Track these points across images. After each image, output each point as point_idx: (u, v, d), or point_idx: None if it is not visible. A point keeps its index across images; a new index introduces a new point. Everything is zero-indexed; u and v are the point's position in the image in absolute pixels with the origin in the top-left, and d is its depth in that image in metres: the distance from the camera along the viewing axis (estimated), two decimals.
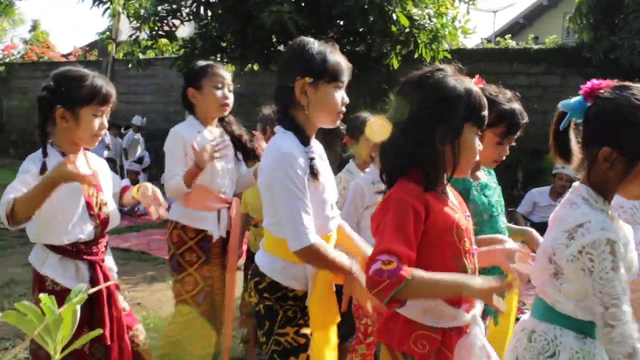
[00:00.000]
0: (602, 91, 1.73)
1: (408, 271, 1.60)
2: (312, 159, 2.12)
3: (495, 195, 2.59)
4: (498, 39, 11.97)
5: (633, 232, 1.84)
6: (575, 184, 1.81)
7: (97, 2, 8.13)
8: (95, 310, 2.44)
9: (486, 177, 2.63)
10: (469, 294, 1.68)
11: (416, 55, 7.92)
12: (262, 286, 2.20)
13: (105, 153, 11.57)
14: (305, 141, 2.16)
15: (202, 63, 3.20)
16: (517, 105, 2.47)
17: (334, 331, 2.24)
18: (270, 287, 2.18)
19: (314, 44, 2.18)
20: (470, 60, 9.80)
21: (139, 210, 8.91)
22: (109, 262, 2.60)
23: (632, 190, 1.72)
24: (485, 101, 1.85)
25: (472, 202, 2.45)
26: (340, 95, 2.20)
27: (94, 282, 2.45)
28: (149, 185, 2.66)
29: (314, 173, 2.10)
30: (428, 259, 1.73)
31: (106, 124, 2.51)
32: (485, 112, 1.84)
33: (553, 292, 1.75)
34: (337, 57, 2.18)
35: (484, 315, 2.52)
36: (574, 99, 1.77)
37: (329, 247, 2.12)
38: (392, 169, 1.86)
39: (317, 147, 2.28)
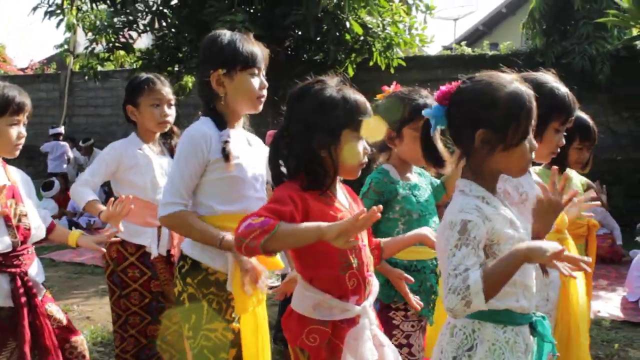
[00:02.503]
0: (452, 91, 1.78)
1: (276, 222, 1.71)
2: (225, 142, 2.18)
3: (425, 195, 2.62)
4: (455, 45, 12.16)
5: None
6: (457, 180, 1.84)
7: (48, 15, 8.03)
8: (14, 324, 2.38)
9: (417, 178, 2.67)
10: (330, 235, 1.70)
11: (371, 63, 8.00)
12: (185, 269, 2.22)
13: (65, 166, 11.45)
14: (221, 126, 2.23)
15: (141, 78, 3.08)
16: (430, 100, 2.52)
17: (263, 310, 2.28)
18: (192, 269, 2.20)
19: (225, 36, 2.25)
20: (427, 67, 9.95)
21: (95, 223, 8.82)
22: (34, 274, 2.52)
23: (515, 165, 1.76)
24: (365, 108, 1.94)
25: (399, 202, 2.49)
26: (258, 81, 2.26)
27: (14, 295, 2.38)
28: (90, 238, 2.77)
29: (225, 155, 2.17)
30: (312, 255, 1.85)
31: (24, 133, 2.48)
32: (364, 117, 1.93)
33: None
34: (248, 45, 2.24)
35: (420, 317, 2.55)
36: (432, 108, 1.81)
37: (195, 219, 2.17)
38: (278, 174, 1.96)
39: (241, 133, 2.35)
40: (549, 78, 2.36)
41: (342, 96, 1.91)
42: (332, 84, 1.95)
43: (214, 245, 2.13)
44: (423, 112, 1.83)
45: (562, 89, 2.33)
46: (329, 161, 1.90)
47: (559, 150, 2.39)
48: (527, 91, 1.75)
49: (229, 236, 2.09)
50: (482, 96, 1.73)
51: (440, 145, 1.87)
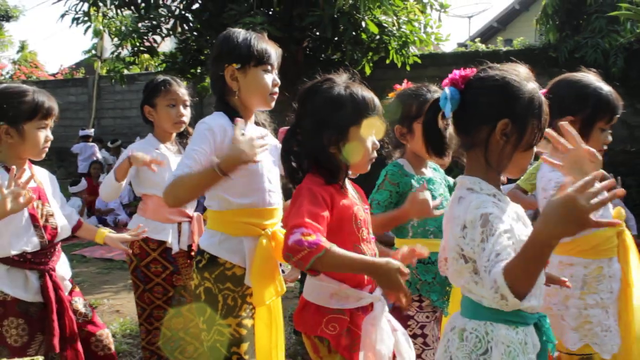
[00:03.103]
0: (472, 76, 1.70)
1: (327, 243, 1.70)
2: (241, 134, 2.14)
3: (440, 189, 2.62)
4: (469, 42, 12.08)
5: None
6: (459, 177, 1.76)
7: (75, 21, 8.10)
8: (44, 317, 2.41)
9: (432, 173, 2.68)
10: (374, 278, 1.77)
11: (388, 61, 7.97)
12: (203, 264, 2.22)
13: None
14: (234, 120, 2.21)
15: (158, 79, 3.13)
16: (437, 94, 2.50)
17: (278, 305, 2.28)
18: (209, 264, 2.20)
19: (240, 33, 2.25)
20: (443, 64, 9.87)
21: (119, 221, 8.94)
22: (62, 271, 2.56)
23: (520, 163, 1.70)
24: (373, 104, 1.95)
25: None
26: (271, 78, 2.26)
27: (43, 291, 2.42)
28: (116, 237, 2.83)
29: None
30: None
31: (51, 137, 2.51)
32: (372, 114, 1.94)
33: (476, 288, 1.66)
34: (262, 43, 2.24)
35: (435, 308, 2.54)
36: (446, 91, 1.69)
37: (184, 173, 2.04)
38: (291, 170, 1.98)
39: (254, 128, 2.34)
40: (592, 78, 2.34)
41: (350, 94, 1.92)
42: (340, 82, 1.95)
43: (216, 176, 1.99)
44: (441, 98, 1.71)
45: (606, 88, 2.31)
46: (339, 157, 1.91)
47: (605, 147, 2.35)
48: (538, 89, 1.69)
49: (215, 159, 2.01)
50: (509, 87, 1.64)
51: (444, 132, 1.77)
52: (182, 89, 3.13)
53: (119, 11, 8.33)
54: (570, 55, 8.58)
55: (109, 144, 11.79)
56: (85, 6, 8.06)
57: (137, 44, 8.61)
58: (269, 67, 2.25)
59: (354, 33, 7.43)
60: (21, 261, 2.39)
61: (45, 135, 2.47)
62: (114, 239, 2.82)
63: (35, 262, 2.42)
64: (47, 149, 2.51)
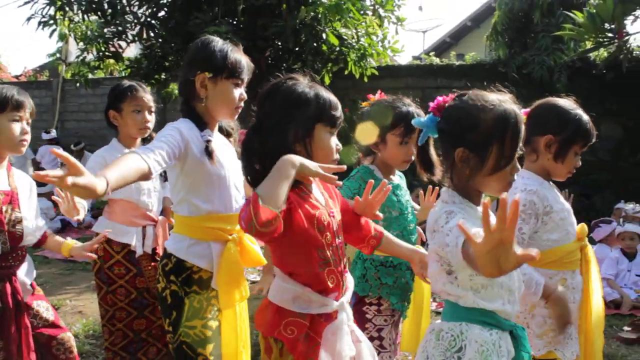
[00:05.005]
0: (446, 104, 1.77)
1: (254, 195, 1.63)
2: (207, 141, 2.12)
3: (406, 195, 2.65)
4: (423, 56, 12.23)
5: None
6: (442, 189, 1.82)
7: (41, 25, 7.90)
8: (2, 324, 2.31)
9: (399, 180, 2.70)
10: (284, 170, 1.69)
11: (346, 72, 8.01)
12: (169, 267, 2.15)
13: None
14: (201, 128, 2.16)
15: (123, 85, 3.04)
16: (412, 108, 2.54)
17: (244, 307, 2.23)
18: (176, 267, 2.14)
19: (217, 42, 2.18)
20: (398, 75, 9.97)
21: (84, 222, 8.70)
22: (24, 276, 2.44)
23: (492, 185, 1.71)
24: (336, 104, 1.91)
25: None
26: (239, 92, 2.21)
27: (2, 297, 2.31)
28: (81, 248, 2.63)
29: (209, 153, 2.10)
30: (293, 250, 1.80)
31: (28, 129, 2.41)
32: (336, 113, 1.90)
33: (452, 288, 1.70)
34: (238, 56, 2.18)
35: (394, 312, 2.54)
36: (426, 117, 1.79)
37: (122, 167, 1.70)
38: (252, 171, 1.87)
39: (218, 136, 2.29)
40: (573, 105, 2.38)
41: (315, 92, 1.88)
42: (304, 81, 1.91)
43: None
44: (413, 122, 1.81)
45: (585, 116, 2.36)
46: (303, 155, 1.82)
47: (574, 170, 2.41)
48: (514, 113, 1.68)
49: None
50: (467, 117, 1.68)
51: (433, 153, 1.88)
52: (147, 95, 3.05)
53: (85, 16, 8.16)
54: (518, 71, 8.76)
55: (72, 147, 11.49)
56: (52, 10, 7.87)
57: (103, 48, 8.45)
58: (239, 82, 2.20)
59: (314, 44, 7.46)
60: None
61: (21, 127, 2.37)
62: (78, 249, 2.68)
63: None
64: (25, 143, 2.41)
